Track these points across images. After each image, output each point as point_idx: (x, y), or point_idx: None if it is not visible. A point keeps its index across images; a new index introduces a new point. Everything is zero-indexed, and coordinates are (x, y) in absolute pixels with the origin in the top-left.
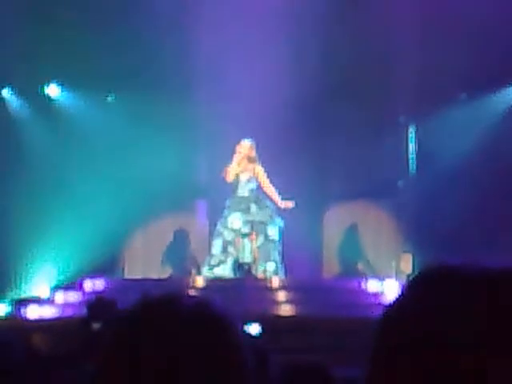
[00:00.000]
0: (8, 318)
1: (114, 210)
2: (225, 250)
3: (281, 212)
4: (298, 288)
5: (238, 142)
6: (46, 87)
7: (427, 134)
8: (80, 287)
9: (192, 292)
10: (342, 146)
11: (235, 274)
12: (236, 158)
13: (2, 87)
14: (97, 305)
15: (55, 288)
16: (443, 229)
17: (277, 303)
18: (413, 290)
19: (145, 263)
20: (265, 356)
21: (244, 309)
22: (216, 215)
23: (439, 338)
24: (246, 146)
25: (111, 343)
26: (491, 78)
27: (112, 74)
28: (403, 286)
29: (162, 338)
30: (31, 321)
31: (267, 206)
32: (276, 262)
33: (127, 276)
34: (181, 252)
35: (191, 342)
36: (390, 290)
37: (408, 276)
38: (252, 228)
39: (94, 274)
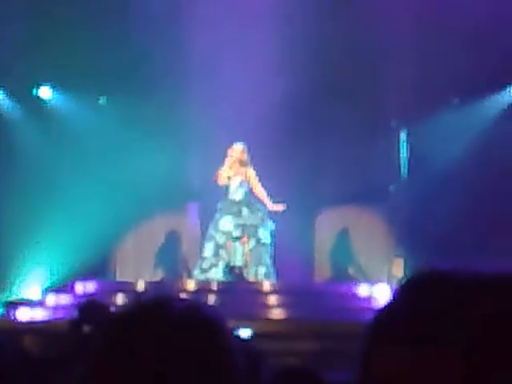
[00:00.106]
0: None
1: (106, 212)
2: (216, 253)
3: (272, 215)
4: (289, 292)
5: (230, 146)
6: (37, 89)
7: (419, 138)
8: (71, 290)
9: (183, 295)
10: (335, 150)
11: (226, 277)
12: (228, 161)
13: None
14: (88, 307)
15: (46, 290)
16: (435, 233)
17: (268, 307)
18: (404, 294)
19: (136, 265)
20: (256, 360)
21: (235, 312)
22: (207, 218)
23: (431, 343)
24: (237, 149)
25: (102, 345)
26: (484, 83)
27: (104, 77)
28: (395, 291)
29: (152, 340)
30: (22, 323)
31: (259, 210)
32: (267, 266)
33: (119, 278)
34: (172, 255)
35: (182, 346)
36: (381, 294)
37: (399, 280)
38: (243, 231)
39: (85, 276)
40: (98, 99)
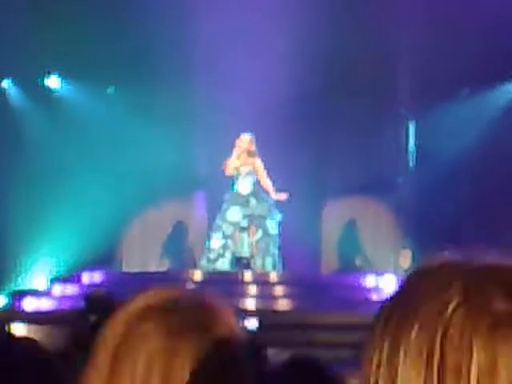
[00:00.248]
0: (6, 309)
1: (113, 201)
2: (224, 243)
3: (280, 206)
4: (295, 283)
5: (238, 136)
6: (46, 78)
7: (427, 129)
8: (78, 280)
9: (190, 285)
10: (342, 140)
11: (233, 267)
12: (236, 151)
13: (2, 78)
14: (95, 297)
15: (53, 280)
16: (442, 224)
17: (274, 298)
18: (411, 284)
19: (143, 255)
20: (262, 349)
21: (242, 303)
22: (215, 208)
23: (433, 340)
24: (245, 140)
25: (108, 335)
26: (493, 74)
27: (112, 66)
28: (401, 280)
29: (158, 331)
30: (29, 313)
31: (266, 201)
32: (274, 257)
33: (125, 268)
34: (179, 245)
35: (188, 335)
36: (388, 285)
37: (406, 271)
38: (251, 222)
39: (91, 266)
40: (106, 88)
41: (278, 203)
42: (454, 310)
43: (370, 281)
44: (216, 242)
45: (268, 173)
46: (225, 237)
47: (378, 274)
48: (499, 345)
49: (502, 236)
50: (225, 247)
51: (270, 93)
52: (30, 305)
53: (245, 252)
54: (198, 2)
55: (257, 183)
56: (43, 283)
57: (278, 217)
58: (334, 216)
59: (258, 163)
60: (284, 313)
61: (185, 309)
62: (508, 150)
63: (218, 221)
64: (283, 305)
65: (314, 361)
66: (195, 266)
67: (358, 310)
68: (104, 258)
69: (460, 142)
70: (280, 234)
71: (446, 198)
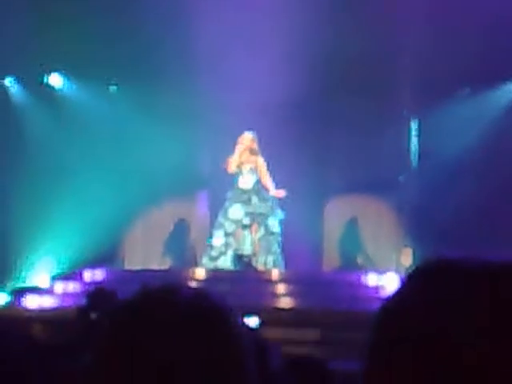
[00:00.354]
0: (7, 307)
1: (115, 199)
2: (225, 241)
3: (282, 204)
4: (297, 281)
5: (241, 134)
6: (48, 76)
7: (430, 127)
8: (80, 277)
9: (192, 283)
10: (344, 139)
11: (235, 265)
12: (238, 149)
13: (5, 76)
14: (96, 295)
15: (55, 278)
16: (444, 223)
17: (276, 296)
18: (412, 283)
19: (145, 253)
20: (264, 348)
21: (243, 301)
22: (217, 206)
23: (440, 332)
24: (248, 138)
25: (108, 333)
26: (495, 73)
27: (114, 64)
28: (403, 279)
29: (159, 328)
30: (30, 310)
31: (268, 199)
32: (276, 255)
33: (127, 266)
34: (181, 243)
35: (189, 333)
36: (389, 283)
37: (407, 269)
38: (253, 220)
39: (93, 263)
40: (109, 87)
41: (280, 201)
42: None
43: (371, 279)
44: (218, 239)
45: (270, 171)
46: (227, 234)
47: (380, 272)
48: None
49: (504, 235)
50: (227, 245)
51: (271, 92)
52: (31, 302)
53: (247, 250)
54: (201, 3)
55: (259, 181)
56: (45, 281)
57: (280, 215)
58: (336, 214)
59: (260, 161)
60: (286, 310)
61: (186, 306)
62: (510, 149)
63: (220, 218)
64: (285, 302)
65: (315, 359)
66: (197, 263)
67: (360, 308)
68: (106, 256)
69: (461, 141)
70: (282, 232)
71: (448, 196)
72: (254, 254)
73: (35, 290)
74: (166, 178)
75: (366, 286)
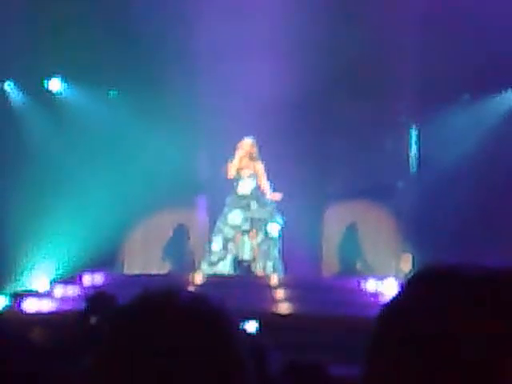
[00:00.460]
0: (6, 311)
1: (115, 204)
2: (225, 246)
3: (281, 209)
4: (296, 286)
5: (240, 139)
6: (47, 81)
7: (429, 134)
8: (79, 281)
9: (191, 288)
10: (344, 144)
11: (235, 271)
12: (237, 155)
13: (4, 80)
14: (96, 299)
15: (54, 281)
16: (443, 229)
17: (275, 301)
18: (411, 289)
19: (144, 258)
20: (263, 353)
21: (242, 306)
22: (216, 211)
23: (439, 337)
24: (247, 143)
25: (108, 336)
26: (494, 80)
27: (114, 69)
28: (402, 285)
29: (159, 332)
30: (30, 314)
31: (267, 204)
32: (275, 260)
33: (126, 270)
34: (180, 248)
35: (188, 337)
36: (388, 289)
37: (407, 275)
38: (252, 225)
39: (93, 268)
40: (109, 92)
41: (279, 207)
42: (453, 323)
43: (370, 285)
44: (217, 244)
45: (269, 176)
46: (226, 240)
47: (379, 278)
48: None
49: (503, 241)
50: (226, 250)
51: (271, 98)
52: (31, 306)
53: (246, 255)
54: (200, 9)
55: (258, 187)
56: (44, 284)
57: (280, 220)
58: (336, 220)
59: (260, 167)
60: (285, 316)
61: (185, 310)
62: (509, 156)
63: (219, 224)
64: (284, 308)
65: (314, 364)
66: (196, 268)
67: (359, 314)
68: (105, 260)
69: (460, 148)
70: (281, 238)
71: (447, 203)
72: (254, 260)
73: (34, 294)
74: (165, 182)
75: (365, 292)
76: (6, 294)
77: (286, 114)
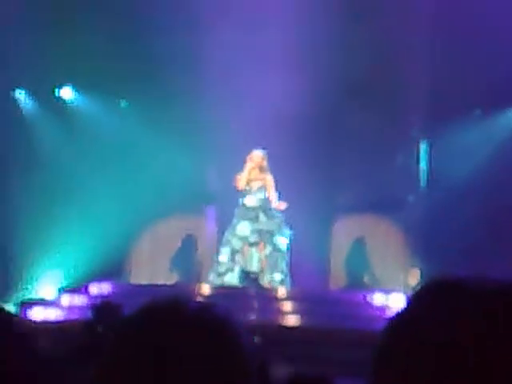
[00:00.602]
0: None
1: (123, 213)
2: (232, 258)
3: (289, 222)
4: (304, 299)
5: (250, 152)
6: (59, 89)
7: (439, 148)
8: (86, 290)
9: (198, 299)
10: (354, 158)
11: (242, 282)
12: (247, 166)
13: (16, 88)
14: (102, 308)
15: (61, 290)
16: (452, 245)
17: (282, 313)
18: (420, 299)
19: (152, 267)
20: (267, 364)
21: (249, 317)
22: (225, 222)
23: (447, 347)
24: (257, 155)
25: (113, 345)
26: (505, 95)
27: (125, 79)
28: (410, 296)
29: (165, 342)
30: (36, 323)
31: (276, 216)
32: (283, 272)
33: (134, 280)
34: (188, 258)
35: (194, 346)
36: (396, 303)
37: (414, 288)
38: (260, 237)
39: (100, 277)
40: (120, 102)
41: (288, 219)
42: (461, 334)
43: (378, 299)
44: (225, 256)
45: (279, 188)
46: (234, 251)
47: (387, 292)
48: None
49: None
50: (233, 262)
51: (282, 109)
52: (37, 314)
53: (254, 267)
54: (211, 19)
55: (267, 199)
56: (52, 293)
57: (288, 233)
58: (344, 233)
59: (269, 179)
60: (291, 328)
61: (192, 320)
62: None
63: (227, 235)
64: (291, 320)
65: (319, 377)
66: (203, 279)
67: (366, 328)
68: (113, 270)
69: (471, 163)
70: (289, 250)
71: (457, 218)
72: (261, 272)
73: (41, 303)
74: (174, 192)
75: (373, 306)
76: (13, 303)
77: (297, 127)
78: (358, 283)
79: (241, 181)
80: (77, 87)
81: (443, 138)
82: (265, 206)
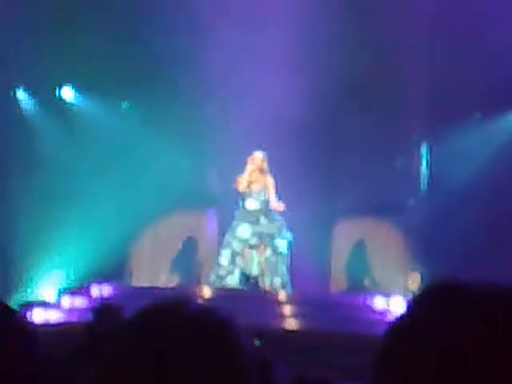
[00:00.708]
0: None
1: (124, 215)
2: (233, 261)
3: (290, 225)
4: (304, 302)
5: (250, 154)
6: (60, 90)
7: (440, 152)
8: (87, 292)
9: (199, 301)
10: (354, 161)
11: (242, 285)
12: (248, 168)
13: (16, 88)
14: (103, 310)
15: (62, 292)
16: (453, 248)
17: (282, 317)
18: (421, 303)
19: (152, 269)
20: (269, 366)
21: (249, 320)
22: (225, 224)
23: (448, 350)
24: (258, 157)
25: (113, 347)
26: (506, 99)
27: (127, 80)
28: (411, 300)
29: (165, 343)
30: (37, 325)
31: (276, 219)
32: (283, 276)
33: (134, 282)
34: (189, 260)
35: (195, 348)
36: (396, 307)
37: (415, 292)
38: (260, 240)
39: (101, 279)
40: (121, 103)
41: (288, 222)
42: (461, 338)
43: (378, 302)
44: (225, 258)
45: (279, 191)
46: (234, 254)
47: (387, 295)
48: None
49: None
50: (234, 264)
51: (282, 110)
52: (38, 316)
53: (254, 270)
54: (211, 19)
55: (267, 202)
56: (52, 295)
57: (288, 236)
58: (344, 236)
59: (270, 181)
60: (292, 332)
61: (192, 321)
62: None
63: (227, 237)
64: (291, 324)
65: (321, 381)
66: (204, 281)
67: (366, 331)
68: (114, 272)
69: (471, 166)
70: (290, 253)
71: (457, 221)
72: (261, 275)
73: (42, 304)
74: (175, 194)
75: (373, 309)
76: (13, 304)
77: (297, 128)
78: (358, 286)
79: (241, 183)
80: (77, 87)
81: (443, 141)
82: (265, 209)
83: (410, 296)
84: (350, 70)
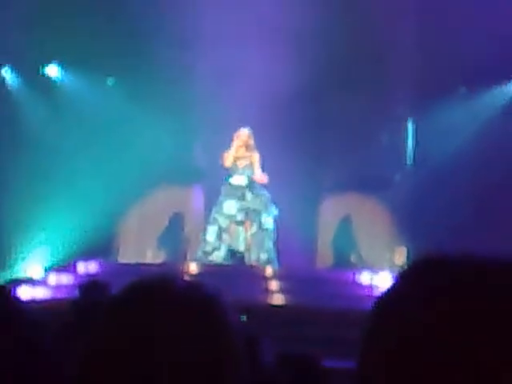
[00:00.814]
0: None
1: (110, 191)
2: (219, 237)
3: (276, 201)
4: (290, 278)
5: (236, 128)
6: (45, 67)
7: (425, 127)
8: (73, 269)
9: (185, 277)
10: (340, 137)
11: (228, 261)
12: (234, 144)
13: (1, 66)
14: (89, 287)
15: (48, 269)
16: (439, 223)
17: (269, 292)
18: (406, 280)
19: (139, 246)
20: (256, 342)
21: (236, 296)
22: (212, 200)
23: (432, 328)
24: (244, 133)
25: (101, 323)
26: (491, 72)
27: (112, 56)
28: (396, 277)
29: (152, 319)
30: (23, 301)
31: (262, 195)
32: (269, 251)
33: (121, 258)
34: (175, 236)
35: (181, 324)
36: (383, 282)
37: (401, 268)
38: (246, 216)
39: (87, 255)
40: (106, 79)
41: (274, 198)
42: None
43: (364, 277)
44: (212, 234)
45: (264, 168)
46: (220, 230)
47: (373, 270)
48: None
49: (499, 236)
50: (220, 240)
51: (269, 88)
52: (24, 293)
53: (240, 245)
54: None
55: (253, 177)
56: (39, 272)
57: (274, 211)
58: (331, 212)
59: (256, 157)
60: (278, 307)
61: (179, 297)
62: (505, 149)
63: (213, 213)
64: (277, 299)
65: (308, 356)
66: (190, 258)
67: (353, 307)
68: (100, 248)
69: (457, 141)
70: (276, 229)
71: (443, 196)
72: (247, 250)
73: (28, 282)
74: (161, 170)
75: (360, 285)
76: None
77: (282, 106)
78: (344, 262)
79: (227, 159)
80: (63, 64)
81: (429, 116)
82: (251, 185)
83: (397, 271)
84: (334, 47)
